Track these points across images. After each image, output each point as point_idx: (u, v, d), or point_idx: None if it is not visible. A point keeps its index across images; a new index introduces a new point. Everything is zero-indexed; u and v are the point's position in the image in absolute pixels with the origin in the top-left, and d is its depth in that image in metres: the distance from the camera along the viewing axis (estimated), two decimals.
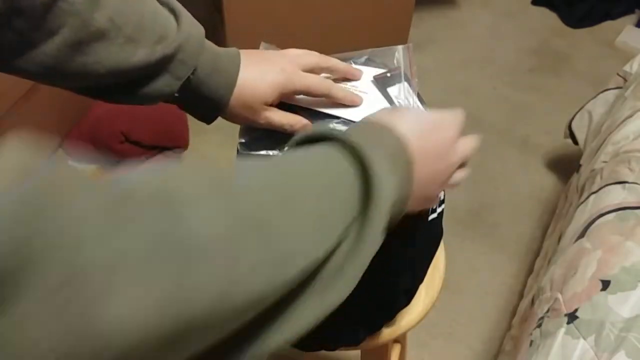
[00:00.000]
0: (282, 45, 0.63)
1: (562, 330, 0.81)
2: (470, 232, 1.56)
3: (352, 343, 0.70)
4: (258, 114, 0.56)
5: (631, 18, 2.40)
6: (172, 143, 1.64)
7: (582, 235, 0.99)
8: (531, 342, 0.87)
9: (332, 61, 0.61)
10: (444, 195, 0.73)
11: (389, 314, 0.72)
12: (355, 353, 0.83)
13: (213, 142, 1.81)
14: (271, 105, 0.57)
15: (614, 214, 0.97)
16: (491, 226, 1.59)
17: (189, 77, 0.52)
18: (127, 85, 0.51)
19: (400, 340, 0.99)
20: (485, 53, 2.22)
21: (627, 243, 0.89)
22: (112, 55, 0.47)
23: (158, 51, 0.49)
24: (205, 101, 0.54)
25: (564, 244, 1.06)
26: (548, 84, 2.09)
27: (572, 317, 0.82)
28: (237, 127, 0.64)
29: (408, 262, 0.67)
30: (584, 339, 0.77)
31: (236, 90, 0.54)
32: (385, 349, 0.82)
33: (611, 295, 0.82)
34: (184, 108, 0.57)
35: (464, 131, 0.54)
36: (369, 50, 0.65)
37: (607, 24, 2.37)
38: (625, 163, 1.08)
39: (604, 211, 1.00)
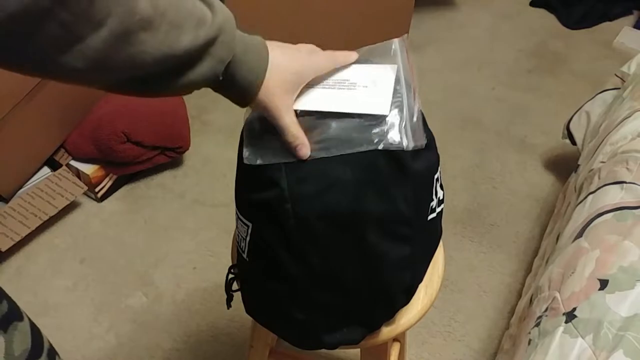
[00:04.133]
0: None
1: (561, 329, 0.81)
2: (469, 232, 1.57)
3: (352, 342, 0.71)
4: (280, 105, 0.59)
5: (629, 19, 2.41)
6: (173, 143, 1.64)
7: (580, 234, 1.00)
8: (529, 341, 0.87)
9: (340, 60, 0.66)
10: (443, 195, 0.74)
11: (389, 313, 0.72)
12: (355, 352, 0.84)
13: (214, 142, 1.81)
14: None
15: (612, 213, 0.98)
16: (490, 225, 1.59)
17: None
18: (173, 72, 0.51)
19: (399, 339, 0.99)
20: (484, 54, 2.23)
21: (625, 242, 0.90)
22: (158, 43, 0.47)
23: (201, 35, 0.50)
24: (242, 82, 0.56)
25: (562, 243, 1.06)
26: (546, 84, 2.09)
27: (570, 316, 0.82)
28: (238, 129, 0.65)
29: (407, 261, 0.67)
30: (582, 337, 0.78)
31: (268, 76, 0.57)
32: (384, 348, 0.82)
33: (609, 294, 0.82)
34: (221, 92, 0.58)
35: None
36: (366, 48, 0.66)
37: (605, 25, 2.38)
38: (623, 163, 1.08)
39: (602, 211, 1.00)
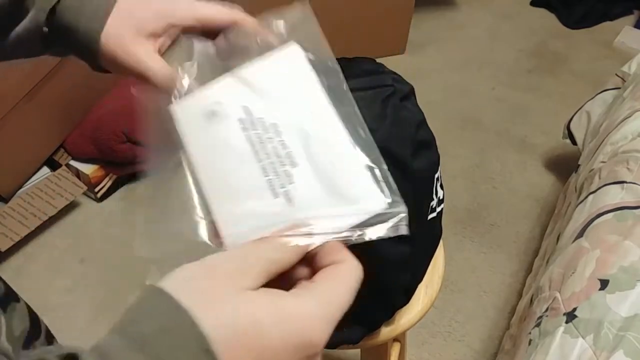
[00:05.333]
0: None
1: (561, 329, 0.81)
2: (469, 232, 1.57)
3: (352, 342, 0.71)
4: (131, 53, 0.44)
5: (629, 19, 2.40)
6: None
7: (580, 234, 1.00)
8: (530, 341, 0.87)
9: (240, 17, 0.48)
10: (443, 195, 0.74)
11: (388, 313, 0.72)
12: (355, 352, 0.84)
13: None
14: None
15: (612, 213, 0.98)
16: (490, 225, 1.59)
17: (55, 7, 0.43)
18: None
19: (399, 339, 0.99)
20: (485, 54, 2.23)
21: (625, 242, 0.90)
22: None
23: None
24: (78, 35, 0.44)
25: (562, 243, 1.06)
26: (546, 84, 2.09)
27: (570, 316, 0.82)
28: None
29: (407, 261, 0.67)
30: (583, 338, 0.78)
31: (111, 20, 0.43)
32: (385, 348, 0.82)
33: (609, 294, 0.82)
34: (61, 52, 0.47)
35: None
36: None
37: (606, 25, 2.38)
38: (624, 163, 1.08)
39: (602, 211, 1.00)
